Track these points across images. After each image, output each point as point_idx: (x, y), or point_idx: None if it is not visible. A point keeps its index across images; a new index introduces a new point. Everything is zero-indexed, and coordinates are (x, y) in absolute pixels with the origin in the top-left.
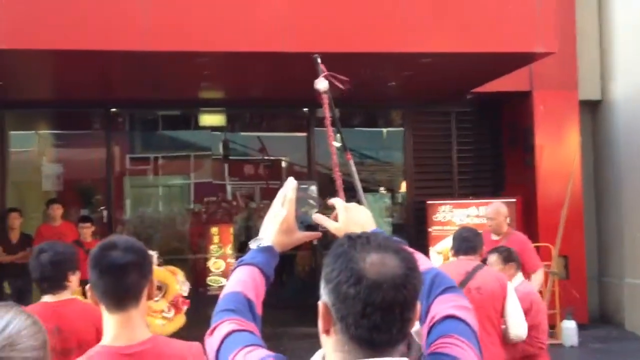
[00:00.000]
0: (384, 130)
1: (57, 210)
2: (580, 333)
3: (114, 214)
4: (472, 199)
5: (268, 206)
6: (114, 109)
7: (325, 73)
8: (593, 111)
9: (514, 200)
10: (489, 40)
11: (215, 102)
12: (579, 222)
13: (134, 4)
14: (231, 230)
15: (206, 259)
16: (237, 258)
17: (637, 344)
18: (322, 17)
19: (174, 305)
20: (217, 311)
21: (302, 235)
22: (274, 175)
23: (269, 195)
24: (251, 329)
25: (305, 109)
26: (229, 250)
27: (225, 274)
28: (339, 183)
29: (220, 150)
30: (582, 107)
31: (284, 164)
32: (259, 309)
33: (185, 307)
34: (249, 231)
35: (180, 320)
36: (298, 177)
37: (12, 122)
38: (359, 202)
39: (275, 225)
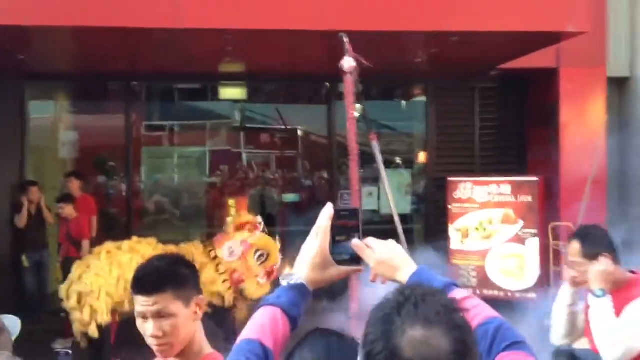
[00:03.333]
0: (405, 102)
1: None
2: None
3: (131, 184)
4: (493, 177)
5: (285, 177)
6: (134, 82)
7: (351, 52)
8: (620, 88)
9: (536, 179)
10: (520, 19)
11: (235, 75)
12: (601, 201)
13: None
14: (247, 200)
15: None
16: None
17: None
18: None
19: (268, 273)
20: None
21: (339, 271)
22: (292, 145)
23: (285, 164)
24: None
25: (327, 83)
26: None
27: None
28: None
29: (238, 119)
30: (609, 84)
31: (300, 133)
32: (276, 357)
33: (274, 278)
34: (263, 200)
35: (267, 289)
36: (317, 147)
37: (32, 93)
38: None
39: (308, 260)
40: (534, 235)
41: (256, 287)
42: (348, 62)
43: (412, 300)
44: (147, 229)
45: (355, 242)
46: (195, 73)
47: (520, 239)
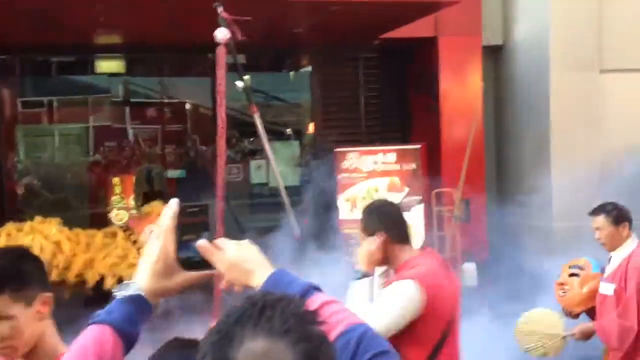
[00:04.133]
0: (292, 73)
1: None
2: (479, 273)
3: (4, 164)
4: (378, 146)
5: (172, 152)
6: (3, 56)
7: (227, 19)
8: (495, 56)
9: (419, 146)
10: None
11: (113, 47)
12: (480, 165)
13: None
14: (133, 178)
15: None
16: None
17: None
18: None
19: None
20: None
21: (187, 277)
22: (178, 118)
23: (171, 138)
24: None
25: (210, 55)
26: (131, 200)
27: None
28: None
29: (121, 93)
30: (485, 52)
31: (188, 106)
32: None
33: None
34: (150, 176)
35: None
36: (204, 120)
37: None
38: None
39: (148, 266)
40: (419, 202)
41: None
42: (222, 33)
43: (259, 307)
44: (24, 213)
45: (201, 243)
46: (70, 45)
47: (406, 206)
